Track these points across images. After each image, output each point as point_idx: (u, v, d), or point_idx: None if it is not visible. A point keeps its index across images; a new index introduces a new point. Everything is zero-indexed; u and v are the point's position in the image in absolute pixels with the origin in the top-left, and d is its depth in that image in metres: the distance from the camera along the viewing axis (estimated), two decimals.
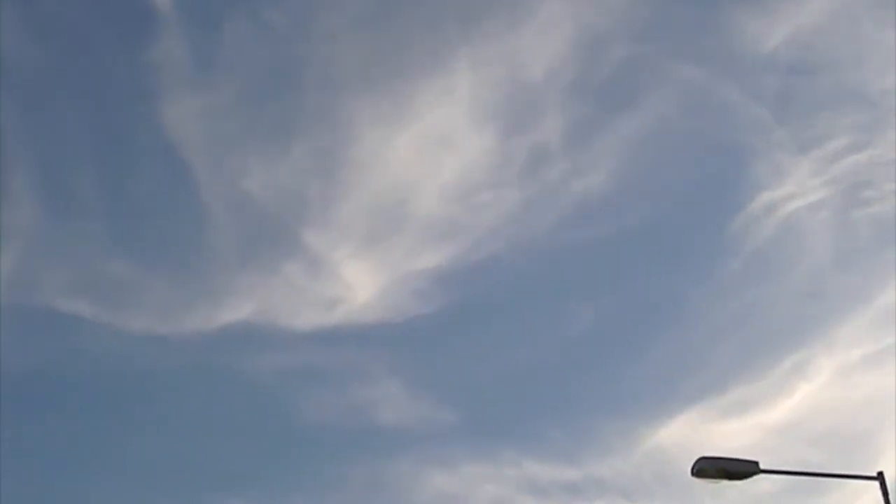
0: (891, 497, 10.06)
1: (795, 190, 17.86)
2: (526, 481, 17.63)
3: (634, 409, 17.97)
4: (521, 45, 18.48)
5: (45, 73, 18.16)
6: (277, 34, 18.46)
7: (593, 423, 18.03)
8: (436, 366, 18.81)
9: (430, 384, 18.42)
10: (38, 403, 17.62)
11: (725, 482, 10.15)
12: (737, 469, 10.03)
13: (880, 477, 10.17)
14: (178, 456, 17.46)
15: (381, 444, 18.23)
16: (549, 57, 18.33)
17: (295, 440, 18.37)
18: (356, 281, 18.19)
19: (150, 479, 17.24)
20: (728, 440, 17.17)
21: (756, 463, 10.09)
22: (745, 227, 18.06)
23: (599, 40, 18.39)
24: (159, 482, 17.21)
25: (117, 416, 17.78)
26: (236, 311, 18.02)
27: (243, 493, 17.31)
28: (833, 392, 17.43)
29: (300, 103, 18.64)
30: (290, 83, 18.73)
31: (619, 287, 18.87)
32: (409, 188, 18.58)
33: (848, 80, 18.04)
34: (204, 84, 18.23)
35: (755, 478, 10.15)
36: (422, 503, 17.89)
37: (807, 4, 18.03)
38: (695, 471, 9.97)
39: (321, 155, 18.55)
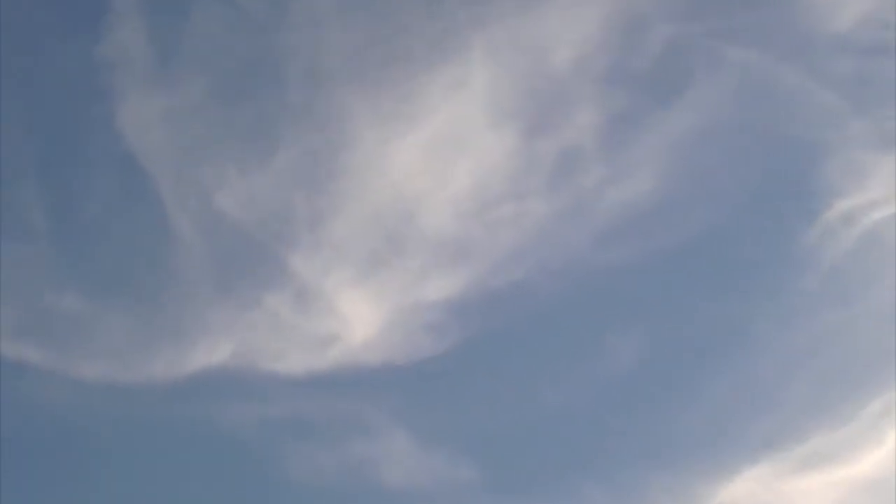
0: None
1: (879, 195, 16.75)
2: None
3: (690, 462, 16.47)
4: (547, 27, 17.21)
5: None
6: (254, 21, 17.08)
7: (639, 479, 16.55)
8: (450, 414, 17.21)
9: (444, 436, 16.88)
10: None
11: None
12: None
13: None
14: None
15: None
16: (580, 40, 17.08)
17: (282, 503, 16.66)
18: (354, 314, 16.74)
19: None
20: (806, 499, 15.96)
21: None
22: (820, 240, 16.78)
23: (639, 20, 17.20)
24: None
25: (70, 478, 16.30)
26: (211, 353, 16.47)
27: None
28: None
29: (283, 102, 17.20)
30: (270, 78, 17.33)
31: (669, 315, 17.39)
32: (416, 201, 17.12)
33: None
34: (168, 81, 16.91)
35: None
36: None
37: None
38: None
39: (309, 163, 17.08)
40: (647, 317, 17.26)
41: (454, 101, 16.95)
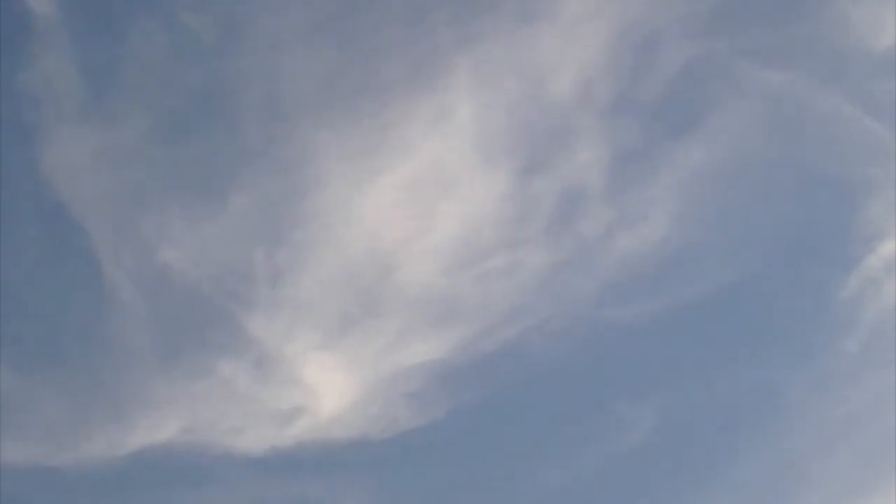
0: None
1: None
2: None
3: None
4: (543, 50, 16.14)
5: None
6: (204, 45, 15.77)
7: None
8: (437, 495, 15.91)
9: None
10: None
11: None
12: None
13: None
14: None
15: None
16: (581, 65, 16.05)
17: None
18: (322, 384, 15.58)
19: None
20: None
21: None
22: (861, 293, 15.81)
23: (652, 39, 16.21)
24: None
25: None
26: (155, 430, 15.27)
27: None
28: None
29: (237, 139, 15.94)
30: (221, 112, 16.01)
31: (689, 380, 16.21)
32: (393, 252, 15.98)
33: None
34: (103, 117, 15.62)
35: None
36: None
37: None
38: None
39: (268, 209, 15.89)
40: (661, 383, 16.11)
41: (437, 136, 15.85)
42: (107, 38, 15.34)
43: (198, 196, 15.66)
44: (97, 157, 15.36)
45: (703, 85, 16.12)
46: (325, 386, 15.38)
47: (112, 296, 15.25)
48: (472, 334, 15.68)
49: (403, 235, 15.85)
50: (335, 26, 15.72)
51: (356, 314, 15.62)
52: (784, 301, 16.24)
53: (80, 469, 14.87)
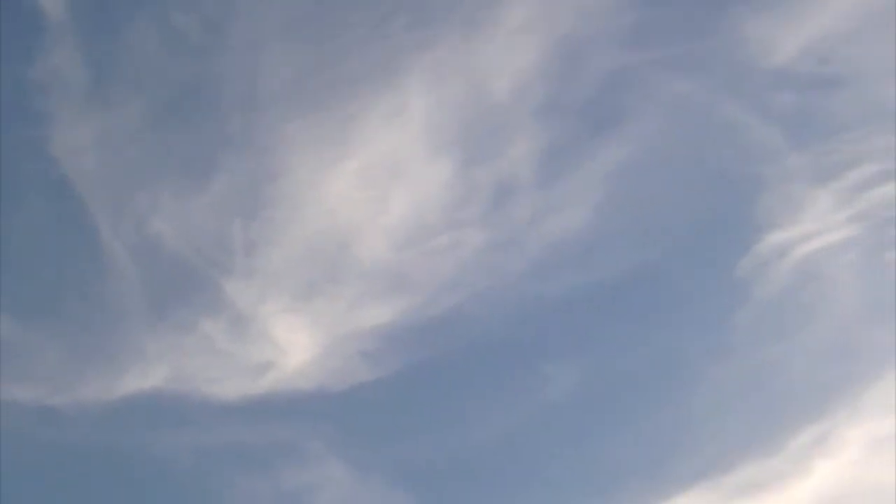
0: None
1: (815, 228, 17.26)
2: None
3: (624, 491, 16.90)
4: (486, 56, 17.47)
5: None
6: (190, 43, 17.12)
7: None
8: (386, 442, 17.52)
9: (380, 464, 17.14)
10: None
11: None
12: None
13: None
14: None
15: None
16: (519, 70, 17.41)
17: None
18: (289, 341, 17.01)
19: None
20: None
21: None
22: (755, 273, 17.26)
23: (578, 50, 17.54)
24: None
25: None
26: (144, 378, 16.66)
27: None
28: (861, 470, 16.71)
29: (219, 126, 17.30)
30: (206, 102, 17.42)
31: (605, 346, 17.80)
32: (352, 229, 17.42)
33: (876, 97, 17.41)
34: (103, 104, 16.99)
35: None
36: None
37: (828, 8, 17.39)
38: None
39: (245, 189, 17.28)
40: (580, 348, 17.55)
41: (392, 129, 17.17)
42: (108, 36, 16.67)
43: (184, 175, 16.99)
44: (97, 139, 16.69)
45: (623, 91, 17.41)
46: (292, 343, 16.78)
47: (108, 259, 16.63)
48: (418, 302, 17.08)
49: (361, 215, 17.23)
50: (306, 30, 17.07)
51: (319, 282, 16.99)
52: (687, 280, 17.56)
53: (76, 409, 16.19)
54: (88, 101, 16.77)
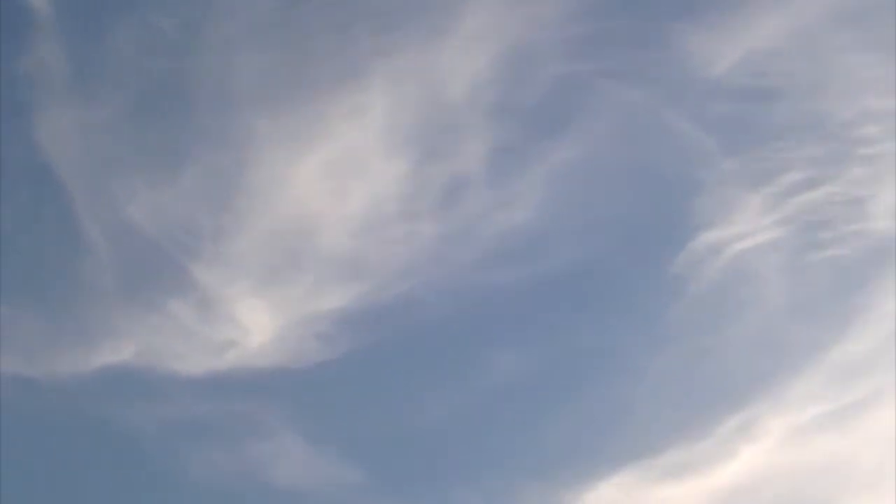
0: None
1: (745, 229, 17.71)
2: None
3: (559, 470, 17.45)
4: (443, 61, 17.95)
5: None
6: (168, 43, 17.69)
7: (512, 485, 17.49)
8: (340, 418, 18.06)
9: (333, 438, 17.72)
10: None
11: None
12: None
13: None
14: None
15: None
16: (473, 74, 17.87)
17: (178, 500, 17.44)
18: (251, 322, 17.55)
19: None
20: None
21: None
22: (689, 269, 17.76)
23: (529, 57, 17.97)
24: None
25: None
26: (115, 352, 17.21)
27: None
28: (783, 455, 17.25)
29: (192, 121, 17.86)
30: (181, 98, 17.93)
31: (547, 333, 18.33)
32: (314, 219, 17.96)
33: (805, 110, 17.84)
34: (84, 97, 17.46)
35: None
36: None
37: (762, 25, 17.76)
38: None
39: (215, 180, 17.80)
40: (526, 335, 18.10)
41: (353, 126, 17.68)
42: (91, 33, 17.25)
43: (158, 165, 17.55)
44: (79, 130, 17.23)
45: (571, 96, 17.81)
46: (254, 324, 17.34)
47: (85, 242, 17.19)
48: (373, 288, 17.65)
49: (322, 206, 17.79)
50: (276, 34, 17.64)
51: (281, 268, 17.59)
52: (626, 274, 18.14)
53: (51, 381, 16.77)
54: (71, 94, 17.19)
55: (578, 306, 18.33)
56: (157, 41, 17.58)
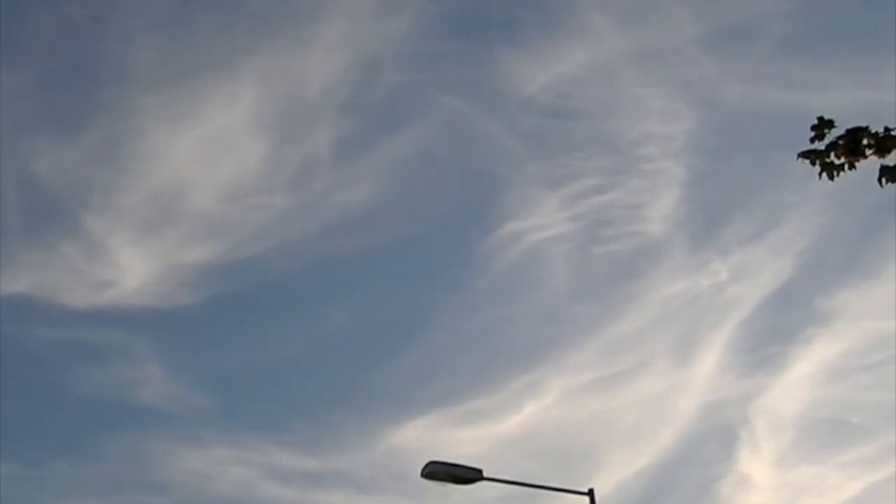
0: None
1: (542, 222, 19.64)
2: (269, 467, 19.18)
3: (376, 410, 19.65)
4: (305, 62, 20.12)
5: None
6: (77, 28, 19.83)
7: (337, 419, 19.63)
8: (195, 352, 20.39)
9: (189, 369, 19.93)
10: None
11: (452, 486, 11.67)
12: (462, 475, 11.65)
13: (590, 494, 11.89)
14: None
15: (139, 422, 19.80)
16: (328, 76, 19.98)
17: (61, 410, 19.88)
18: (129, 266, 19.60)
19: None
20: (460, 447, 18.65)
21: (480, 471, 11.73)
22: (493, 252, 19.80)
23: (375, 65, 20.00)
24: None
25: None
26: (15, 282, 19.33)
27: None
28: (559, 411, 19.15)
29: (94, 95, 19.93)
30: (86, 75, 20.10)
31: (373, 295, 20.61)
32: (187, 184, 20.10)
33: (599, 128, 19.86)
34: (6, 66, 19.38)
35: (479, 484, 11.71)
36: (173, 480, 19.33)
37: (568, 56, 19.68)
38: (424, 473, 11.54)
39: (109, 145, 19.88)
40: (356, 295, 20.56)
41: (226, 111, 19.94)
42: (14, 16, 19.15)
43: (61, 129, 19.87)
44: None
45: (406, 100, 19.84)
46: (132, 269, 19.53)
47: None
48: (232, 247, 19.85)
49: (195, 173, 20.16)
50: (167, 27, 19.89)
51: (157, 222, 19.94)
52: (441, 251, 20.74)
53: None
54: None
55: (402, 275, 20.73)
56: (69, 26, 19.70)
